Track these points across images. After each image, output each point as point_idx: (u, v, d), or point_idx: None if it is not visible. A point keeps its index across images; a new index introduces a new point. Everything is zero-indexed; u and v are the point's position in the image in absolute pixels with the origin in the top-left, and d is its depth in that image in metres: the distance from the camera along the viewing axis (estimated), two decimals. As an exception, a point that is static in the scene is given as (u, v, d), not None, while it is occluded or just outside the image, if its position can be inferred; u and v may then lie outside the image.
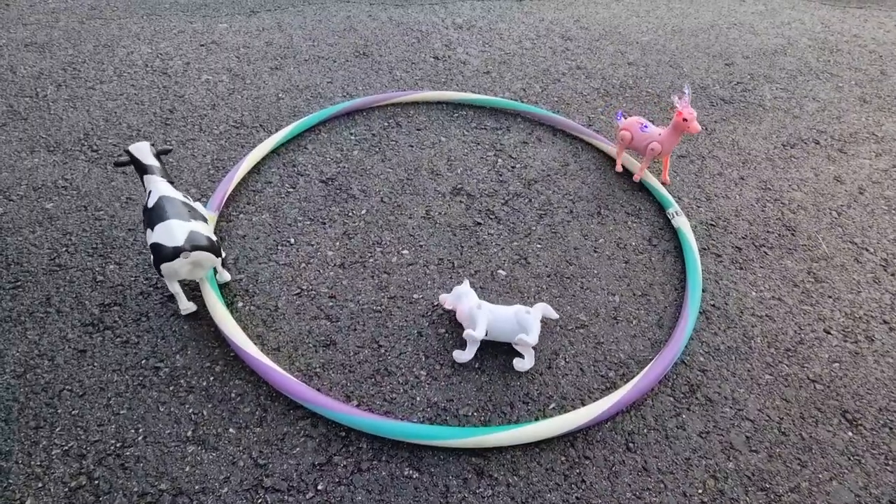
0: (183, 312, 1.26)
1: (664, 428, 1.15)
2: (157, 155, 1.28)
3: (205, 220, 1.23)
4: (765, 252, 1.59)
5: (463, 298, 1.24)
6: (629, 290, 1.44)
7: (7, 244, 1.41)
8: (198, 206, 1.27)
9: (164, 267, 1.12)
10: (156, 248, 1.10)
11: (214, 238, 1.19)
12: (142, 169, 1.24)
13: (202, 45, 2.32)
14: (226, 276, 1.35)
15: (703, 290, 1.45)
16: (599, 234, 1.59)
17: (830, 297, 1.47)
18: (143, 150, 1.25)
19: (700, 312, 1.39)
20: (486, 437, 1.06)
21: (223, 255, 1.34)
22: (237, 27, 2.48)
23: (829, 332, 1.37)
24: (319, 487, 1.01)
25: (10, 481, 0.98)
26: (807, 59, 2.65)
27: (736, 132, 2.08)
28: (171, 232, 1.11)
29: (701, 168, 1.89)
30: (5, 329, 1.22)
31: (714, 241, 1.60)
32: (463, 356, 1.21)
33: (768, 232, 1.65)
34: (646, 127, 1.68)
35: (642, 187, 1.76)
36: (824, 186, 1.85)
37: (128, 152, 1.25)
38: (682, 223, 1.58)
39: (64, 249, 1.41)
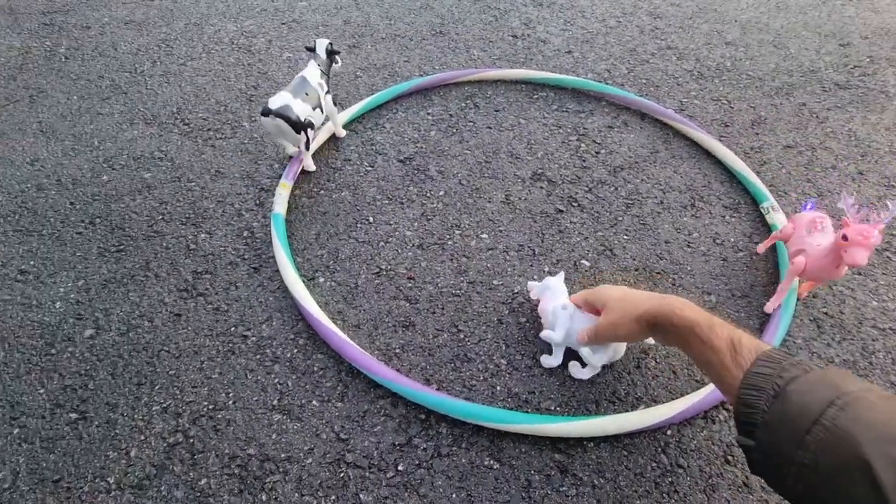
0: (307, 168, 1.57)
1: (768, 443, 1.04)
2: (329, 52, 1.60)
3: (317, 105, 1.51)
4: (888, 257, 1.40)
5: (548, 293, 1.18)
6: (727, 289, 1.32)
7: (111, 210, 1.51)
8: (328, 97, 1.57)
9: (259, 119, 1.45)
10: (263, 104, 1.40)
11: (304, 118, 1.44)
12: (311, 53, 1.61)
13: (283, 24, 2.36)
14: (310, 164, 1.58)
15: (814, 297, 1.30)
16: (693, 227, 1.47)
17: (972, 313, 1.27)
18: (320, 44, 1.61)
19: (811, 320, 1.25)
20: (565, 426, 1.01)
21: (307, 137, 1.50)
22: (316, 5, 2.50)
23: (970, 354, 1.19)
24: (400, 468, 1.00)
25: (117, 431, 1.04)
26: (941, 39, 2.31)
27: (853, 121, 1.85)
28: (276, 97, 1.41)
29: (811, 160, 1.69)
30: (111, 289, 1.30)
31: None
32: (551, 361, 1.14)
33: (893, 235, 1.46)
34: (820, 229, 1.15)
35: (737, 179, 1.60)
36: (963, 186, 1.61)
37: (313, 45, 1.61)
38: (777, 219, 1.43)
39: (160, 217, 1.49)
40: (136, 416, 1.07)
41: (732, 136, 1.78)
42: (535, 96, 1.94)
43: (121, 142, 1.74)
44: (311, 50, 1.60)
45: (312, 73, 1.53)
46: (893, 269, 1.37)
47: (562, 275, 1.20)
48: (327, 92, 1.58)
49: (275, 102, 1.39)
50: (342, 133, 1.73)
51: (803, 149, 1.74)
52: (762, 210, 1.48)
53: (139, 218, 1.49)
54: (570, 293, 1.17)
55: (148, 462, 1.00)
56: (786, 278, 1.21)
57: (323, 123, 1.66)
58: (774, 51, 2.21)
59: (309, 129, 1.49)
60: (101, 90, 1.96)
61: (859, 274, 1.36)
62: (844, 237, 0.99)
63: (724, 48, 2.22)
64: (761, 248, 1.39)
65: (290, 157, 1.58)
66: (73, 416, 1.07)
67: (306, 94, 1.46)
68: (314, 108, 1.48)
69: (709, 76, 2.06)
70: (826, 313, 1.27)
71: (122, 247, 1.41)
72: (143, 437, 1.04)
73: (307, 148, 1.53)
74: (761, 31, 2.35)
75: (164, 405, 1.09)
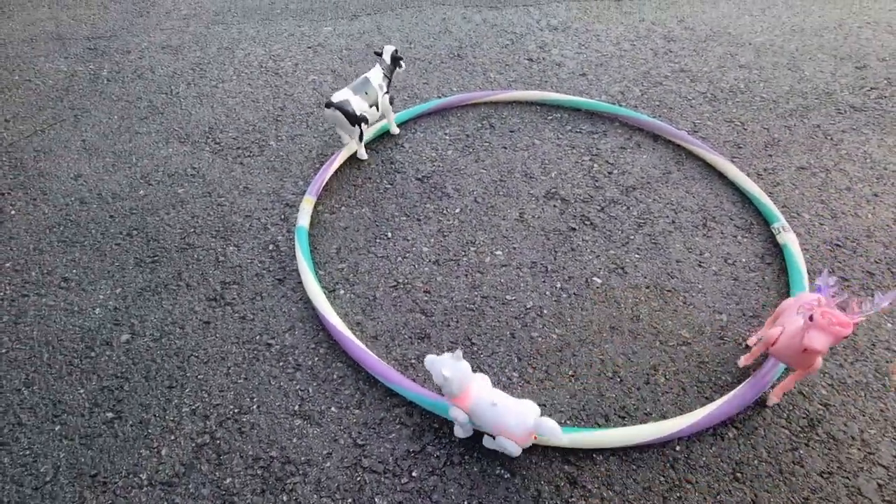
0: (359, 157, 1.78)
1: (778, 462, 1.05)
2: (393, 58, 1.79)
3: (374, 104, 1.70)
4: (903, 279, 1.40)
5: (473, 384, 1.00)
6: (738, 309, 1.34)
7: (147, 223, 1.60)
8: (385, 98, 1.76)
9: (323, 111, 1.75)
10: (328, 97, 1.67)
11: (359, 113, 1.64)
12: (378, 58, 1.82)
13: (309, 48, 2.48)
14: (362, 153, 1.80)
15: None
16: (705, 247, 1.50)
17: None
18: (387, 50, 1.78)
19: (823, 340, 1.26)
20: (575, 436, 1.04)
21: (361, 130, 1.69)
22: (340, 30, 2.63)
23: None
24: (414, 474, 1.04)
25: (150, 431, 1.11)
26: (960, 61, 2.30)
27: (869, 143, 1.86)
28: (339, 93, 1.62)
29: (825, 182, 1.71)
30: (146, 297, 1.38)
31: (840, 264, 1.44)
32: (460, 432, 1.07)
33: (908, 257, 1.46)
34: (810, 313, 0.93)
35: (750, 200, 1.62)
36: (982, 209, 1.60)
37: (380, 50, 1.83)
38: (789, 239, 1.44)
39: (192, 230, 1.58)
40: (167, 416, 1.14)
41: (745, 158, 1.80)
42: (550, 117, 2.00)
43: (157, 159, 1.85)
44: (379, 55, 1.82)
45: (375, 74, 1.72)
46: (908, 292, 1.37)
47: (459, 353, 1.00)
48: (386, 93, 1.79)
49: (337, 97, 1.59)
50: (396, 130, 1.94)
51: (817, 170, 1.75)
52: (773, 230, 1.50)
53: (172, 230, 1.58)
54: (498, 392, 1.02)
55: (178, 461, 1.06)
56: (759, 345, 1.12)
57: (378, 120, 1.85)
58: (789, 73, 2.24)
59: (363, 124, 1.72)
60: (139, 110, 2.10)
61: (872, 296, 1.36)
62: (811, 318, 0.89)
63: (738, 71, 2.26)
64: (743, 360, 1.20)
65: (324, 163, 1.75)
66: (110, 415, 1.14)
67: (366, 92, 1.67)
68: (370, 106, 1.68)
69: (722, 98, 2.09)
70: (838, 334, 1.28)
71: (156, 257, 1.50)
72: (173, 437, 1.10)
73: (360, 140, 1.73)
74: (776, 53, 2.38)
75: (193, 407, 1.15)
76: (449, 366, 0.97)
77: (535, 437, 0.98)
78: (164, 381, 1.20)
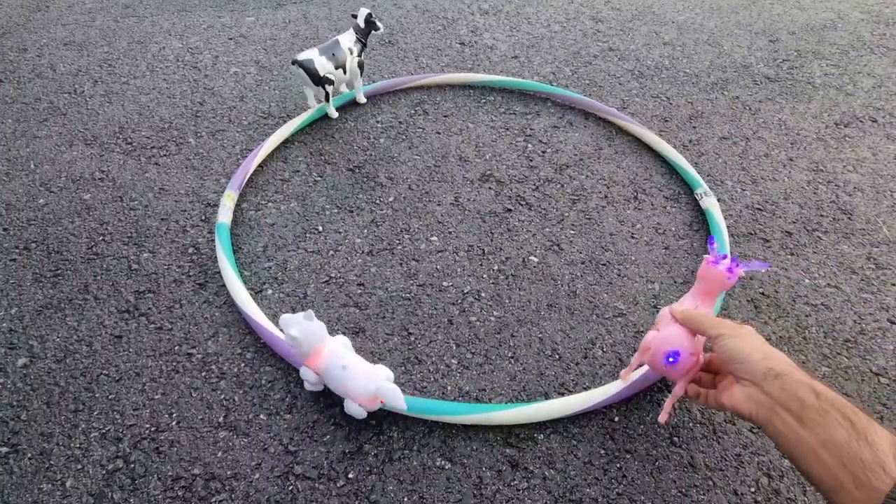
0: (330, 115, 1.83)
1: (711, 422, 1.08)
2: (367, 21, 1.79)
3: (339, 66, 1.72)
4: (818, 237, 1.48)
5: (315, 343, 1.00)
6: (669, 277, 1.36)
7: (48, 234, 1.45)
8: (355, 61, 1.77)
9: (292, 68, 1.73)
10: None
11: (322, 73, 1.66)
12: (353, 19, 1.82)
13: (230, 39, 2.34)
14: (332, 112, 1.83)
15: (751, 278, 1.36)
16: (636, 219, 1.52)
17: (894, 284, 1.35)
18: (361, 13, 1.79)
19: (748, 301, 1.30)
20: (513, 412, 1.04)
21: (326, 91, 1.74)
22: (264, 20, 2.50)
23: (893, 322, 1.26)
24: (350, 476, 0.99)
25: (52, 462, 1.00)
26: (860, 33, 2.47)
27: (783, 111, 1.96)
28: (305, 52, 1.66)
29: (745, 150, 1.78)
30: (47, 315, 1.25)
31: (762, 226, 1.50)
32: (309, 386, 1.07)
33: (822, 216, 1.54)
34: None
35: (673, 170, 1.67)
36: (884, 167, 1.72)
37: (356, 13, 1.82)
38: (710, 204, 1.49)
39: (101, 238, 1.44)
40: (72, 444, 1.03)
41: (672, 131, 1.85)
42: (483, 100, 1.98)
43: (59, 164, 1.69)
44: (354, 17, 1.80)
45: (347, 38, 1.75)
46: (823, 248, 1.45)
47: (321, 325, 1.01)
48: (357, 56, 1.78)
49: (301, 55, 1.64)
50: (362, 100, 1.93)
51: (738, 139, 1.82)
52: (696, 196, 1.54)
53: (78, 240, 1.44)
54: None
55: (85, 491, 0.96)
56: (635, 357, 0.99)
57: (346, 83, 1.85)
58: (709, 49, 2.32)
59: (328, 85, 1.71)
60: (38, 112, 1.90)
61: (792, 254, 1.43)
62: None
63: (663, 48, 2.32)
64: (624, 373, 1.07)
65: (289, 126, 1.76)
66: (4, 449, 1.02)
67: (333, 54, 1.69)
68: (337, 68, 1.71)
69: (648, 75, 2.14)
70: (762, 293, 1.33)
71: (59, 271, 1.36)
72: (79, 466, 0.99)
73: (327, 100, 1.77)
74: (696, 30, 2.46)
75: (104, 431, 1.05)
76: (298, 325, 0.97)
77: (382, 402, 1.01)
78: (69, 405, 1.09)
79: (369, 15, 1.80)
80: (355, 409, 1.01)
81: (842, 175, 1.68)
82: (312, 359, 1.01)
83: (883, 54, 2.31)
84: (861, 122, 1.91)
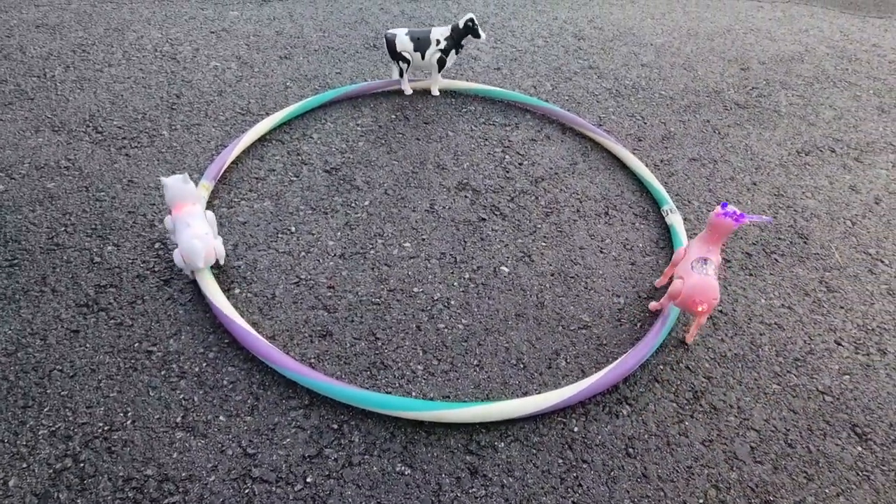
0: (404, 91, 1.99)
1: (666, 434, 1.11)
2: (466, 24, 1.84)
3: (420, 50, 1.86)
4: (775, 259, 1.55)
5: (179, 199, 1.23)
6: (634, 292, 1.40)
7: (6, 221, 1.40)
8: (436, 54, 1.87)
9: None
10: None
11: (399, 50, 1.83)
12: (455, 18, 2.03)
13: (212, 32, 2.31)
14: (406, 88, 2.02)
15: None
16: (606, 234, 1.56)
17: (842, 307, 1.42)
18: (464, 16, 1.84)
19: (708, 318, 1.35)
20: (447, 412, 1.06)
21: (400, 68, 1.90)
22: (248, 15, 2.47)
23: (840, 344, 1.33)
24: (308, 480, 0.98)
25: (-5, 460, 0.96)
26: (824, 66, 2.60)
27: (749, 137, 2.04)
28: (394, 29, 1.83)
29: (713, 172, 1.85)
30: (-1, 306, 1.20)
31: (724, 246, 1.56)
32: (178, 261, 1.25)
33: (780, 239, 1.61)
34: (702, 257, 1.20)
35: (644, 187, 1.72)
36: (839, 195, 1.81)
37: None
38: (675, 220, 1.55)
39: (63, 229, 1.40)
40: (18, 442, 0.99)
41: (644, 150, 1.91)
42: (465, 109, 2.00)
43: (23, 150, 1.63)
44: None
45: (441, 30, 1.84)
46: (779, 270, 1.51)
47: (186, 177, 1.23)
48: (440, 50, 1.84)
49: (389, 30, 1.80)
50: (435, 92, 2.03)
51: (706, 161, 1.89)
52: (662, 213, 1.59)
53: (38, 230, 1.39)
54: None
55: (29, 491, 0.93)
56: (664, 300, 1.27)
57: (426, 71, 1.97)
58: (684, 73, 2.41)
59: (402, 62, 1.85)
60: (3, 95, 1.83)
61: (750, 275, 1.49)
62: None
63: (640, 69, 2.39)
64: (653, 306, 1.35)
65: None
66: (-56, 445, 0.97)
67: (418, 38, 1.81)
68: (415, 51, 1.82)
69: (626, 94, 2.20)
70: (721, 311, 1.38)
71: (15, 261, 1.31)
72: (24, 465, 0.96)
73: (401, 75, 1.92)
74: (673, 54, 2.55)
75: (53, 429, 1.01)
76: (173, 180, 1.21)
77: (215, 257, 1.25)
78: (18, 401, 1.05)
79: (471, 20, 1.82)
80: (177, 259, 1.20)
81: (800, 201, 1.76)
82: (174, 211, 1.22)
83: (844, 88, 2.44)
84: (821, 151, 2.01)
